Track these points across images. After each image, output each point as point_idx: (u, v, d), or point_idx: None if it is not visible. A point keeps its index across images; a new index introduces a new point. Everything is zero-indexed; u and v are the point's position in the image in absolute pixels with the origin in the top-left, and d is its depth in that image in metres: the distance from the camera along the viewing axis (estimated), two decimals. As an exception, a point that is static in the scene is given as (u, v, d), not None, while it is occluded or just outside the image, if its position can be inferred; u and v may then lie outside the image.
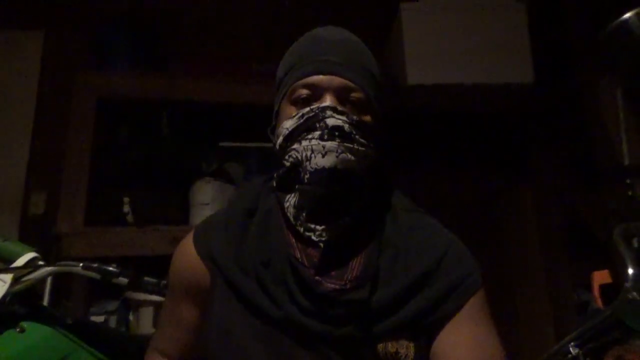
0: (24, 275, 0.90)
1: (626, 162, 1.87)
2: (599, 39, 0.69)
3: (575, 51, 2.22)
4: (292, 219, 0.77)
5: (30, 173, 2.16)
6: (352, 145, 0.75)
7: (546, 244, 2.32)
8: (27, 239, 1.01)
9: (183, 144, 2.13)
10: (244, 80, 2.19)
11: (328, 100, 0.77)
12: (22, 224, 2.13)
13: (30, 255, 0.93)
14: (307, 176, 0.74)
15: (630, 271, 0.71)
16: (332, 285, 0.74)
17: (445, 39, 2.16)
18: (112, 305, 1.90)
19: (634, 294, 0.68)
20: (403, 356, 0.74)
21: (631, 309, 0.65)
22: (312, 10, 2.50)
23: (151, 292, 1.01)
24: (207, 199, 2.02)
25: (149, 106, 2.11)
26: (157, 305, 1.75)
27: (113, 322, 1.88)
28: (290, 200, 0.77)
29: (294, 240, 0.79)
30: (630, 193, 1.70)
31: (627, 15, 0.66)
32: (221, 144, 2.24)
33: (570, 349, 0.74)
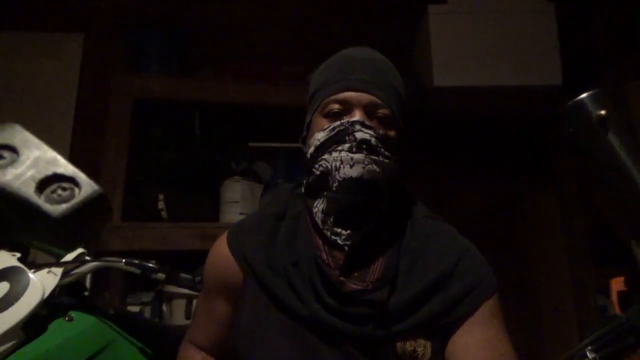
0: (72, 269, 0.97)
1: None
2: (558, 112, 0.73)
3: (603, 54, 2.17)
4: (320, 223, 0.82)
5: (70, 170, 2.25)
6: (377, 158, 0.80)
7: (571, 248, 2.29)
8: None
9: (214, 144, 2.19)
10: (273, 82, 2.22)
11: (357, 115, 0.82)
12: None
13: (78, 250, 1.00)
14: (335, 184, 0.80)
15: (647, 277, 0.72)
16: (355, 286, 0.79)
17: (472, 41, 2.14)
18: (147, 297, 1.98)
19: (650, 300, 0.69)
20: (420, 354, 0.78)
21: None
22: (340, 12, 2.52)
23: (186, 287, 1.07)
24: (237, 197, 2.08)
25: (181, 107, 2.18)
26: (189, 298, 1.82)
27: (147, 312, 1.96)
28: (319, 206, 0.83)
29: (321, 243, 0.83)
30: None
31: (582, 95, 0.70)
32: (250, 144, 2.29)
33: (587, 353, 0.76)
